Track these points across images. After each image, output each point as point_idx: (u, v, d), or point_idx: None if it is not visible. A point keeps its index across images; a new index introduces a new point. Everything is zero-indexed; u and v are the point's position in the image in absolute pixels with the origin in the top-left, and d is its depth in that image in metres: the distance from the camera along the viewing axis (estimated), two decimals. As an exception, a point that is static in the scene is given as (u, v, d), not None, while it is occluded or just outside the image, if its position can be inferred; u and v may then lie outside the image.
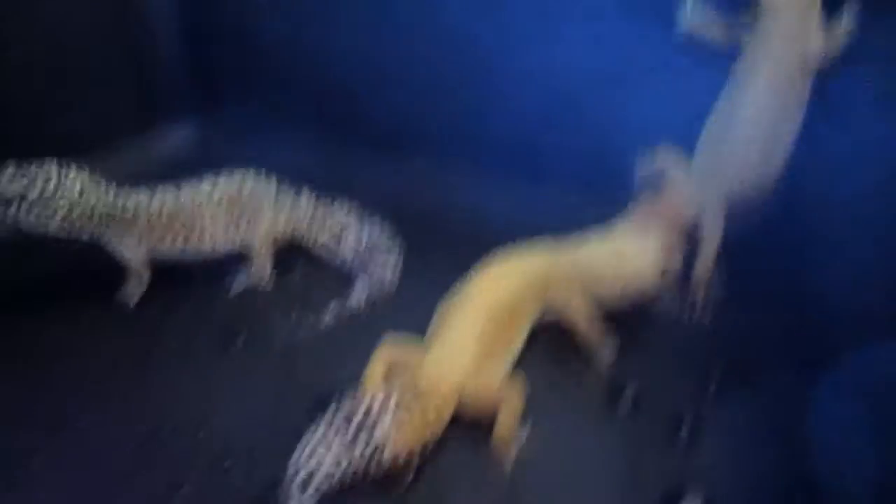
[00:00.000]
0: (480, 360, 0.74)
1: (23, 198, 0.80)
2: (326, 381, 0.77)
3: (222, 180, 0.92)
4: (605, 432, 0.75)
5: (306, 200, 0.96)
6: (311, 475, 0.63)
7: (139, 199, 0.87)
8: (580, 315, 0.82)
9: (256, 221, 0.92)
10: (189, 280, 0.91)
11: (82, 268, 0.90)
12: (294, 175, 0.97)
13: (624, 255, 0.82)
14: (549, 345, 0.83)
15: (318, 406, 0.74)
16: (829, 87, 0.84)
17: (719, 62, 0.88)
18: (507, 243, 0.85)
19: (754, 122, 0.85)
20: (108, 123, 1.10)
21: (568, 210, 0.91)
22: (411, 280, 0.91)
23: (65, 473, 0.68)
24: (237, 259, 0.93)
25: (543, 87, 1.01)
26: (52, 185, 0.81)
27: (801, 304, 0.81)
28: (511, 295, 0.79)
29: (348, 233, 0.94)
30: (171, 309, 0.88)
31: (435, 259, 0.90)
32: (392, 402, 0.68)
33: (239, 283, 0.92)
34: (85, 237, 0.85)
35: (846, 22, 0.83)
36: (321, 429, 0.66)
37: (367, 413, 0.67)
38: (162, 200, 0.88)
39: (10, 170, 0.81)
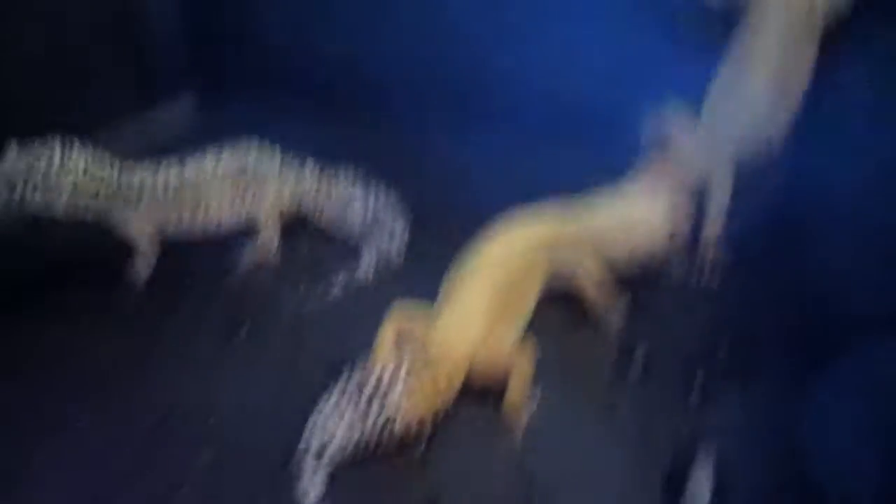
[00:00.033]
0: (490, 327, 0.74)
1: (28, 178, 0.80)
2: (336, 351, 0.77)
3: (226, 154, 0.91)
4: (616, 396, 0.75)
5: (311, 172, 0.95)
6: (324, 446, 0.64)
7: (143, 176, 0.87)
8: (589, 279, 0.81)
9: (261, 195, 0.92)
10: (197, 256, 0.91)
11: (87, 251, 0.90)
12: (297, 147, 0.97)
13: (632, 217, 0.82)
14: (558, 310, 0.83)
15: (329, 377, 0.74)
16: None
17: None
18: (513, 209, 0.84)
19: (762, 80, 0.84)
20: (108, 101, 1.09)
21: (575, 174, 0.90)
22: (418, 249, 0.91)
23: (81, 449, 0.69)
24: (244, 234, 0.93)
25: (547, 52, 1.00)
26: (56, 164, 0.81)
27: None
28: (519, 261, 0.79)
29: (354, 203, 0.94)
30: (180, 285, 0.88)
31: (441, 227, 0.90)
32: (403, 372, 0.68)
33: (246, 257, 0.92)
34: (91, 218, 0.85)
35: None
36: (333, 399, 0.66)
37: (379, 383, 0.67)
38: (166, 176, 0.88)
39: (14, 149, 0.81)
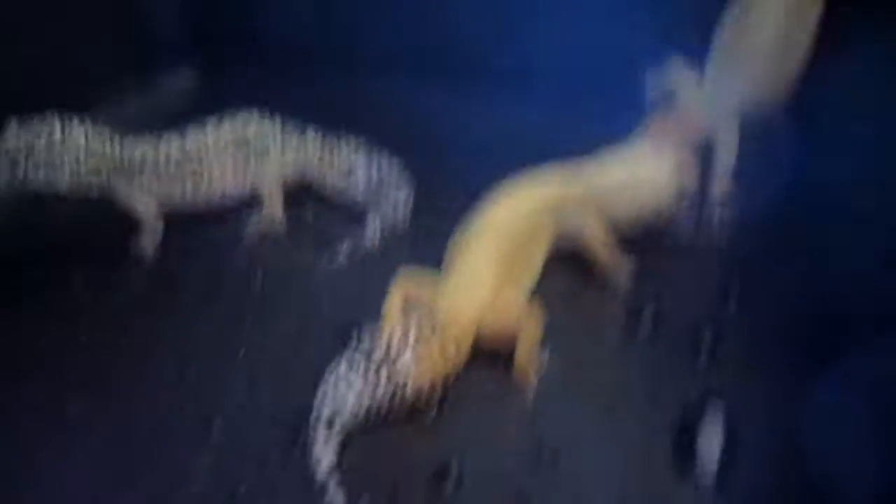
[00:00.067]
0: (497, 290, 0.74)
1: (29, 153, 0.80)
2: (345, 319, 0.77)
3: (226, 124, 0.91)
4: (625, 355, 0.75)
5: (313, 139, 0.94)
6: (335, 414, 0.64)
7: (145, 149, 0.87)
8: (596, 239, 0.81)
9: (264, 163, 0.91)
10: (202, 227, 0.91)
11: (91, 229, 0.90)
12: (298, 115, 0.96)
13: (637, 176, 0.81)
14: (565, 272, 0.82)
15: (337, 344, 0.74)
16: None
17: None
18: (518, 171, 0.84)
19: (767, 32, 0.82)
20: (108, 73, 1.08)
21: (579, 134, 0.89)
22: (424, 213, 0.91)
23: (98, 416, 0.70)
24: (248, 205, 0.93)
25: (553, 18, 0.98)
26: (56, 138, 0.81)
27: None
28: (525, 222, 0.78)
29: (357, 170, 0.93)
30: (187, 257, 0.88)
31: (446, 191, 0.89)
32: (411, 338, 0.68)
33: (252, 227, 0.92)
34: (95, 192, 0.85)
35: None
36: (342, 367, 0.67)
37: (388, 349, 0.68)
38: (168, 149, 0.88)
39: (13, 126, 0.81)
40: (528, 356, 0.71)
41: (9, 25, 0.97)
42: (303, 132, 0.95)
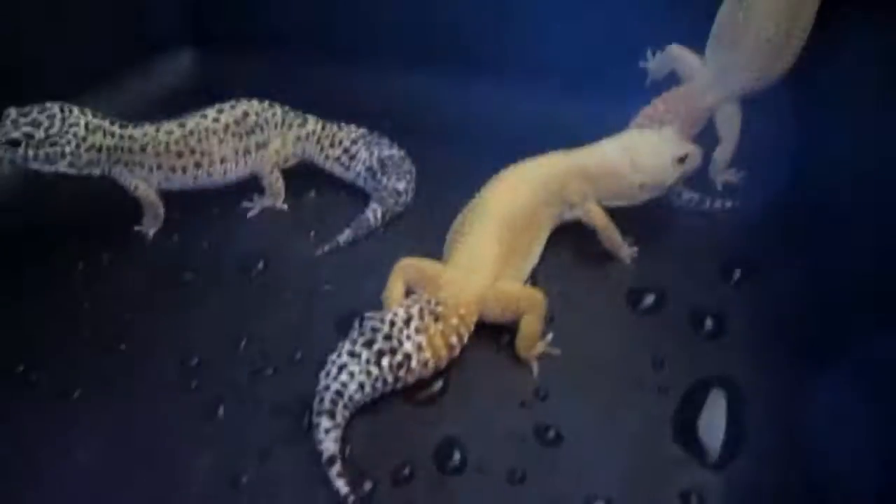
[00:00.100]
0: (500, 270, 0.74)
1: (29, 138, 0.79)
2: (348, 299, 0.78)
3: (227, 107, 0.90)
4: (629, 332, 0.75)
5: (313, 126, 0.94)
6: (339, 394, 0.64)
7: (146, 131, 0.87)
8: (599, 216, 0.81)
9: (265, 144, 0.91)
10: (206, 209, 0.91)
11: (92, 214, 0.91)
12: (298, 102, 0.95)
13: (640, 151, 0.80)
14: (568, 248, 0.83)
15: (340, 327, 0.75)
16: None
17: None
18: (519, 158, 0.83)
19: (767, 9, 0.82)
20: (107, 58, 1.07)
21: (582, 122, 0.89)
22: (425, 200, 0.90)
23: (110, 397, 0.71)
24: (250, 186, 0.92)
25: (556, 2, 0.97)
26: (56, 123, 0.81)
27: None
28: (527, 201, 0.78)
29: (358, 157, 0.93)
30: (191, 238, 0.88)
31: (447, 178, 0.88)
32: (413, 324, 0.68)
33: (254, 208, 0.92)
34: (96, 173, 0.85)
35: None
36: (346, 347, 0.67)
37: (391, 329, 0.68)
38: (169, 131, 0.87)
39: (13, 112, 0.80)
40: (532, 333, 0.71)
41: (7, 12, 0.96)
42: (304, 119, 0.94)
